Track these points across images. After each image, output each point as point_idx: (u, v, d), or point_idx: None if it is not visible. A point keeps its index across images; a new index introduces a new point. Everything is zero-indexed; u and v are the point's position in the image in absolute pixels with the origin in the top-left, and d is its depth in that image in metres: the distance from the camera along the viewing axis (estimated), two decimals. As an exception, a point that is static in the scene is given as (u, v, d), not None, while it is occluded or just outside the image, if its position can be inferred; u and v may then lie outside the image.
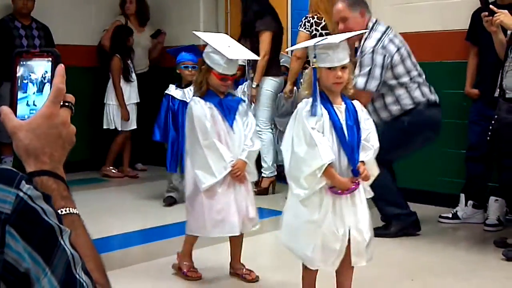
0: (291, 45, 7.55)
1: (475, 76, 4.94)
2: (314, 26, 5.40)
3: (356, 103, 3.00)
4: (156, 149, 7.06)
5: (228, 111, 3.46)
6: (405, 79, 4.26)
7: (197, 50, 5.19)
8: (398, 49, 4.24)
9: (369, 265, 3.03)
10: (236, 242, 3.66)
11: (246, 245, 4.33)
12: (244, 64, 6.19)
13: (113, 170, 6.95)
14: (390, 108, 4.33)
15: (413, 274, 3.66)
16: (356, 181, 2.89)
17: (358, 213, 2.92)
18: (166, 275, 3.72)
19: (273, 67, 6.02)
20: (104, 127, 6.82)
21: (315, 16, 5.44)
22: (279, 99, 6.30)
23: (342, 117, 2.91)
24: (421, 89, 4.34)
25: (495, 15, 3.80)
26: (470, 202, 4.82)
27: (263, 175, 5.97)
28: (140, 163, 7.32)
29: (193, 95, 3.55)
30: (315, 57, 2.89)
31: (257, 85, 5.91)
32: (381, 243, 3.89)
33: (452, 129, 5.10)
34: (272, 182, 5.98)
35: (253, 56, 3.71)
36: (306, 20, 5.47)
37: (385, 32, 4.24)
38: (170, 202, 5.46)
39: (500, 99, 3.98)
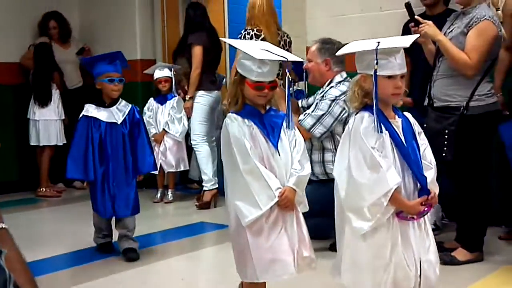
0: (230, 59, 7.60)
1: (409, 85, 5.05)
2: (254, 38, 5.43)
3: (408, 115, 2.74)
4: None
5: (272, 129, 2.90)
6: None
7: (123, 57, 4.32)
8: None
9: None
10: None
11: (187, 260, 4.32)
12: (171, 76, 6.22)
13: (48, 190, 6.81)
14: (326, 165, 4.25)
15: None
16: (427, 203, 2.58)
17: (426, 242, 2.62)
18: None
19: (207, 81, 6.05)
20: (32, 143, 6.72)
21: (255, 29, 5.47)
22: (219, 112, 6.33)
23: (400, 132, 2.61)
24: None
25: (420, 26, 3.91)
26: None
27: (204, 188, 5.96)
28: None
29: (229, 111, 2.96)
30: (377, 63, 2.53)
31: (190, 98, 5.97)
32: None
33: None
34: (214, 195, 5.96)
35: (294, 58, 3.17)
36: (246, 32, 5.46)
37: (344, 93, 4.24)
38: (106, 248, 4.40)
39: (429, 108, 4.09)
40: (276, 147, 2.87)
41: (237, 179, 2.83)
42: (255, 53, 2.83)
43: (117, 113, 4.19)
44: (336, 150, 4.11)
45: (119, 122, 4.17)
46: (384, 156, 2.53)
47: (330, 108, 4.17)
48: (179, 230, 5.17)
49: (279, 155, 2.87)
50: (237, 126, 2.85)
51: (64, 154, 6.77)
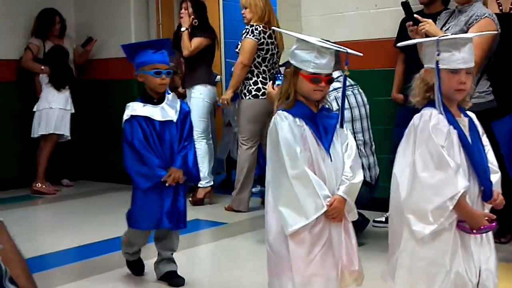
0: (225, 57, 7.60)
1: (402, 82, 5.07)
2: (262, 34, 5.47)
3: (472, 115, 2.59)
4: (84, 164, 7.00)
5: (324, 131, 2.64)
6: None
7: (170, 46, 3.72)
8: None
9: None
10: None
11: (183, 257, 4.34)
12: None
13: (43, 186, 6.74)
14: None
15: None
16: (491, 219, 2.42)
17: (487, 251, 2.51)
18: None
19: (208, 74, 6.05)
20: (33, 135, 6.71)
21: (261, 25, 5.51)
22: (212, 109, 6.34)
23: (466, 132, 2.47)
24: None
25: (420, 24, 3.91)
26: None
27: (198, 185, 5.96)
28: (66, 179, 7.16)
29: (278, 108, 2.69)
30: (438, 54, 2.41)
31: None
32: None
33: (381, 134, 5.22)
34: (207, 193, 5.97)
35: (353, 51, 2.79)
36: (253, 27, 5.49)
37: (336, 89, 4.24)
38: (139, 267, 3.86)
39: (427, 105, 4.09)
40: (328, 151, 2.62)
41: (282, 183, 2.59)
42: (314, 40, 2.59)
43: (170, 110, 3.55)
44: None
45: (175, 120, 3.54)
46: (451, 156, 2.39)
47: None
48: (175, 227, 5.17)
49: (331, 160, 2.62)
50: (287, 126, 2.59)
51: (64, 151, 6.83)
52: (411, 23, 3.97)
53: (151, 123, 3.46)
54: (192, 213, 5.65)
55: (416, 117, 2.48)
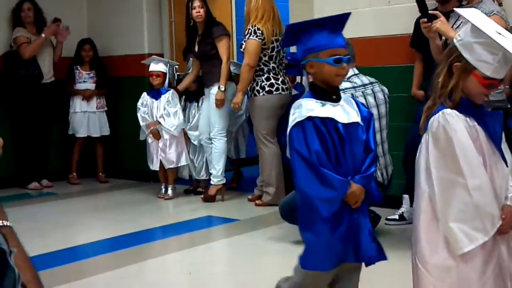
0: (237, 53, 7.60)
1: (421, 79, 5.05)
2: (263, 35, 5.51)
3: None
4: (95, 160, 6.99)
5: (495, 132, 2.31)
6: None
7: (344, 24, 2.69)
8: None
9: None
10: None
11: (195, 253, 4.35)
12: (165, 71, 6.16)
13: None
14: None
15: (361, 277, 3.70)
16: None
17: None
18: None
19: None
20: (70, 133, 7.03)
21: (255, 25, 5.55)
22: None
23: None
24: None
25: (433, 21, 3.89)
26: (416, 203, 4.90)
27: (211, 182, 5.97)
28: (37, 183, 6.93)
29: (438, 107, 2.31)
30: None
31: (225, 89, 5.81)
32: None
33: (396, 131, 5.20)
34: (219, 190, 5.96)
35: None
36: (255, 28, 5.53)
37: (348, 88, 4.22)
38: None
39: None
40: (502, 153, 2.31)
41: (456, 195, 2.23)
42: (505, 42, 2.19)
43: (351, 110, 2.59)
44: None
45: (361, 122, 2.59)
46: None
47: None
48: (187, 224, 5.19)
49: (506, 165, 2.31)
50: (463, 127, 2.24)
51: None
52: (425, 20, 3.94)
53: (333, 126, 2.51)
54: (204, 210, 5.67)
55: None
